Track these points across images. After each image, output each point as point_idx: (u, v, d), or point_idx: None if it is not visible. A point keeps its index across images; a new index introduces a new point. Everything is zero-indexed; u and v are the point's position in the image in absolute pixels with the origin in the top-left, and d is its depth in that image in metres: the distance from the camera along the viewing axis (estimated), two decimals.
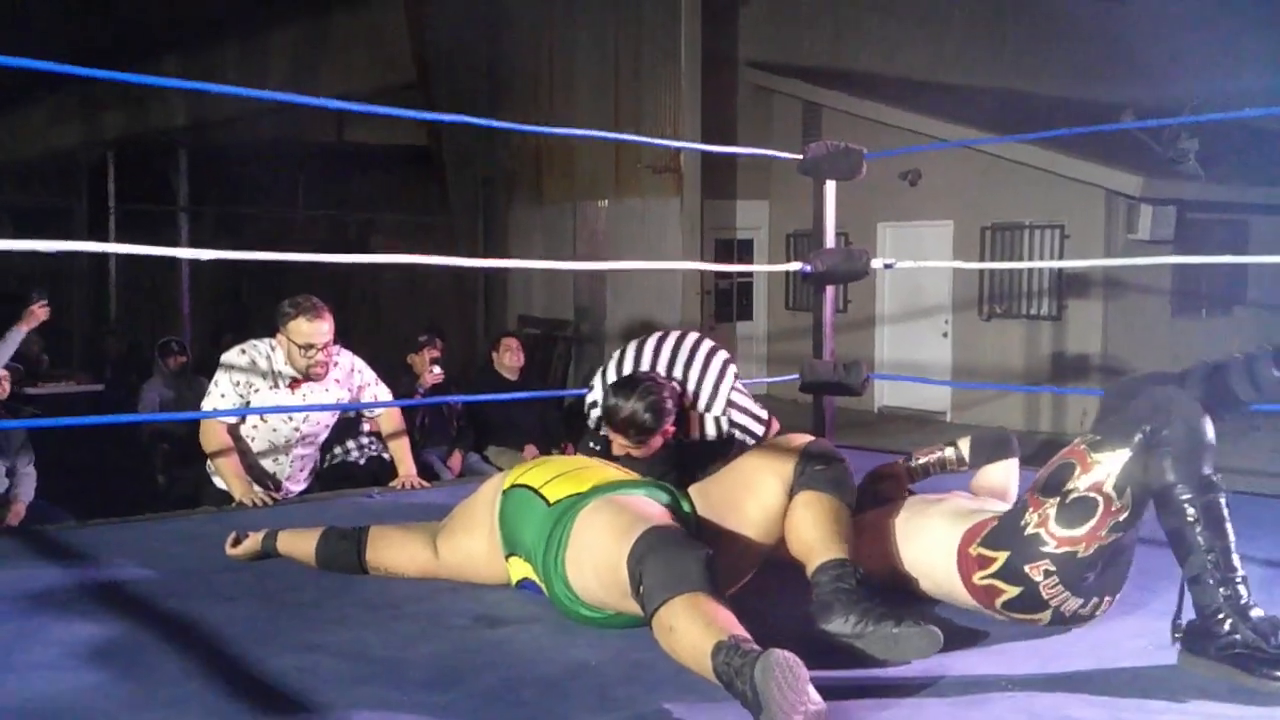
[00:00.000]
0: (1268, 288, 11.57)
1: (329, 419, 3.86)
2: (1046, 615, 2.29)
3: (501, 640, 2.25)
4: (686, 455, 3.09)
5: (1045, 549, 2.21)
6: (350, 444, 5.55)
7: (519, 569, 2.46)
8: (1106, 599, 2.33)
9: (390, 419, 3.98)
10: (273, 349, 3.68)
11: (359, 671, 2.05)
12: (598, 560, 2.18)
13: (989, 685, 2.02)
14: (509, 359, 6.40)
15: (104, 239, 11.06)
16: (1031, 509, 2.25)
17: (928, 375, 10.84)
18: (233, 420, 3.65)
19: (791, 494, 2.41)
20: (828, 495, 2.39)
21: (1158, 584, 2.67)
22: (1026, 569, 2.23)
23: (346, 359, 3.84)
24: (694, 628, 1.91)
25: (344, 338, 7.92)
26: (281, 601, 2.49)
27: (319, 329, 3.60)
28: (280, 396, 3.65)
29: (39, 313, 5.18)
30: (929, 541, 2.46)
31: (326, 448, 5.69)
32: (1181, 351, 10.67)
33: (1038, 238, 10.63)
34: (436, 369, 6.31)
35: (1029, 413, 10.44)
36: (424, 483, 3.90)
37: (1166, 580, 2.65)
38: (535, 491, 2.43)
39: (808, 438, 2.56)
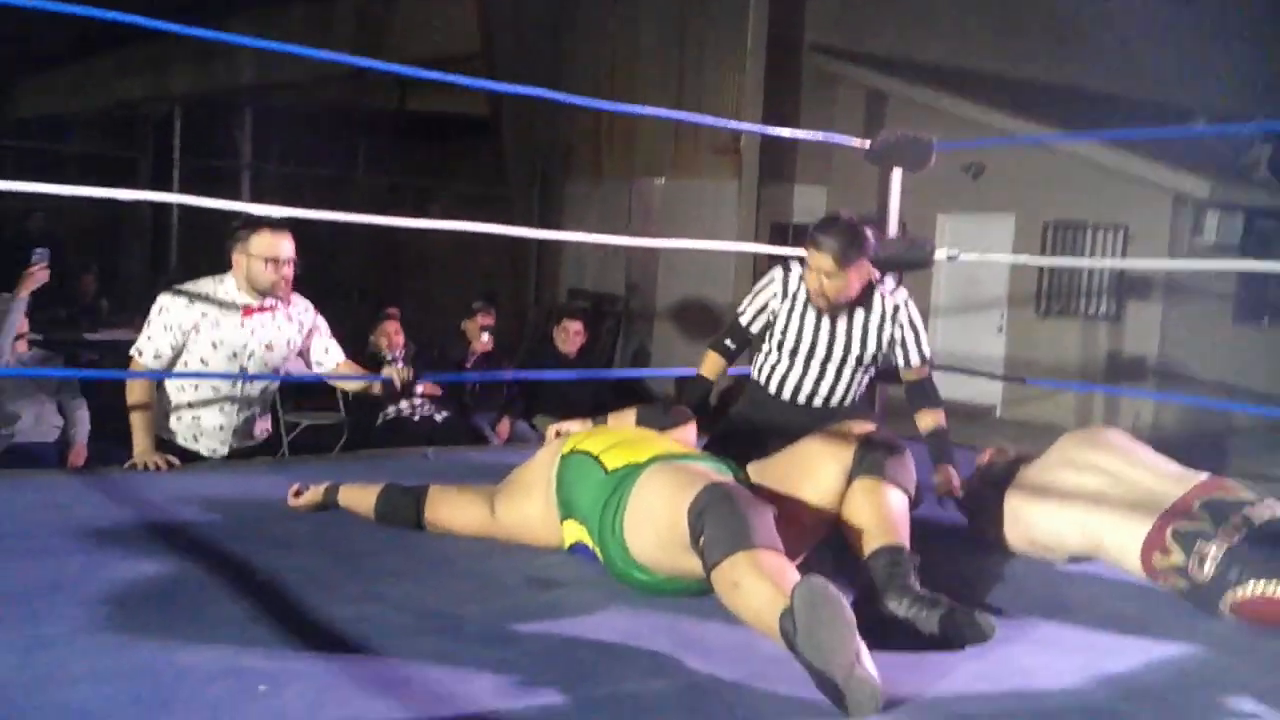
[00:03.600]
0: None
1: (285, 349, 3.54)
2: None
3: (555, 602, 2.28)
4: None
5: None
6: (404, 403, 5.62)
7: (573, 532, 2.49)
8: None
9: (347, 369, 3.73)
10: (219, 281, 3.45)
11: (417, 624, 2.08)
12: (657, 515, 2.20)
13: (1041, 675, 2.01)
14: (567, 341, 6.42)
15: (167, 192, 11.22)
16: None
17: (980, 370, 10.73)
18: (160, 368, 3.38)
19: (850, 480, 2.42)
20: (886, 483, 2.40)
21: None
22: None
23: (302, 300, 3.62)
24: (761, 587, 1.92)
25: (397, 302, 7.96)
26: (340, 552, 2.54)
27: (282, 243, 3.40)
28: (227, 329, 3.40)
29: (39, 275, 4.71)
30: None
31: (380, 406, 5.76)
32: (1240, 359, 10.49)
33: (1100, 237, 10.48)
34: (486, 336, 6.35)
35: (1081, 412, 10.31)
36: (406, 379, 3.63)
37: None
38: (594, 458, 2.45)
39: (870, 425, 2.56)
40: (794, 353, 3.20)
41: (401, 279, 13.61)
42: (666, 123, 11.55)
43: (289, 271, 3.43)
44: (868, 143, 4.35)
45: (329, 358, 3.64)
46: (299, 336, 3.58)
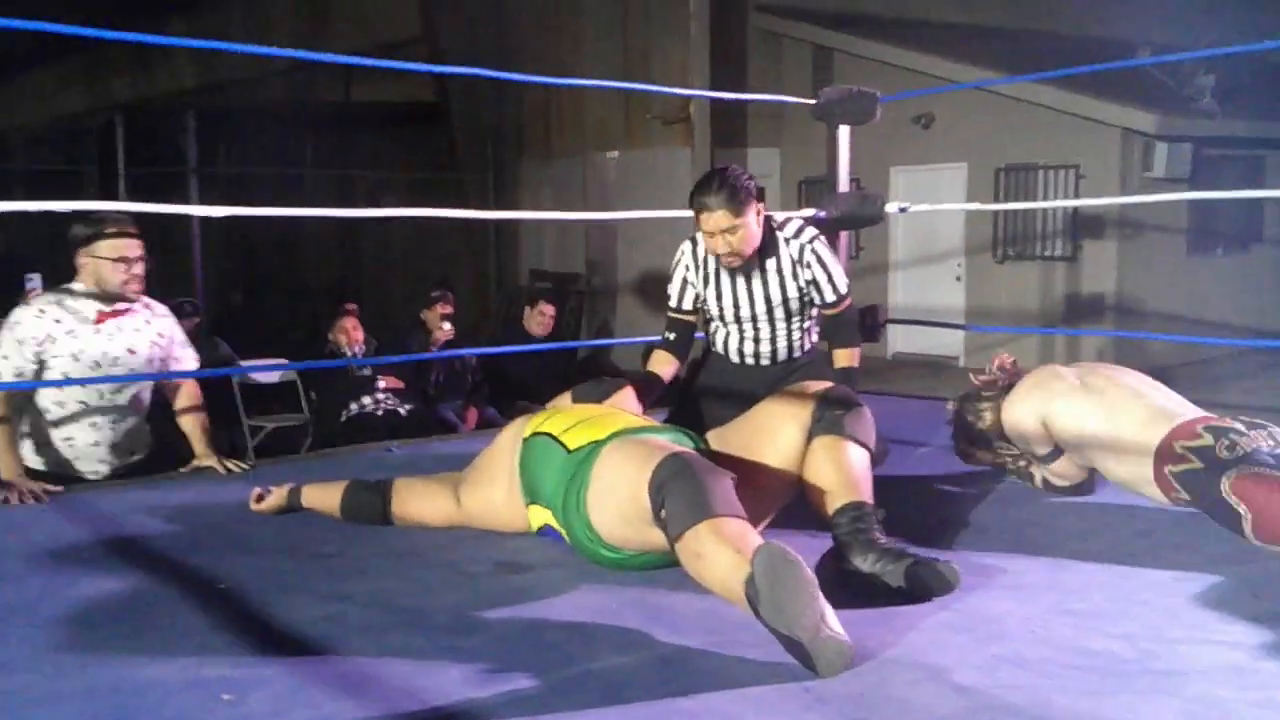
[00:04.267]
0: None
1: (149, 350, 3.34)
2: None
3: (524, 586, 2.27)
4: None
5: None
6: (366, 399, 5.59)
7: (539, 516, 2.48)
8: None
9: (188, 394, 3.47)
10: (67, 289, 3.26)
11: (384, 620, 2.07)
12: (619, 491, 2.19)
13: (1009, 620, 2.02)
14: (536, 325, 6.38)
15: (115, 202, 11.05)
16: None
17: (941, 320, 10.80)
18: (22, 383, 3.14)
19: (810, 439, 2.42)
20: (846, 440, 2.40)
21: (1173, 519, 2.68)
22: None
23: (159, 305, 3.46)
24: (723, 555, 1.93)
25: (355, 297, 7.86)
26: (305, 553, 2.51)
27: (128, 242, 3.22)
28: (85, 338, 3.21)
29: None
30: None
31: (342, 404, 5.72)
32: (1197, 291, 10.60)
33: (1052, 178, 10.53)
34: (447, 325, 6.32)
35: (1043, 355, 10.40)
36: (240, 465, 3.42)
37: (1182, 514, 2.66)
38: (555, 439, 2.44)
39: (826, 384, 2.56)
40: (723, 317, 3.20)
41: (359, 273, 13.50)
42: (616, 95, 11.50)
43: (140, 270, 3.27)
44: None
45: (179, 366, 3.46)
46: (163, 340, 3.39)
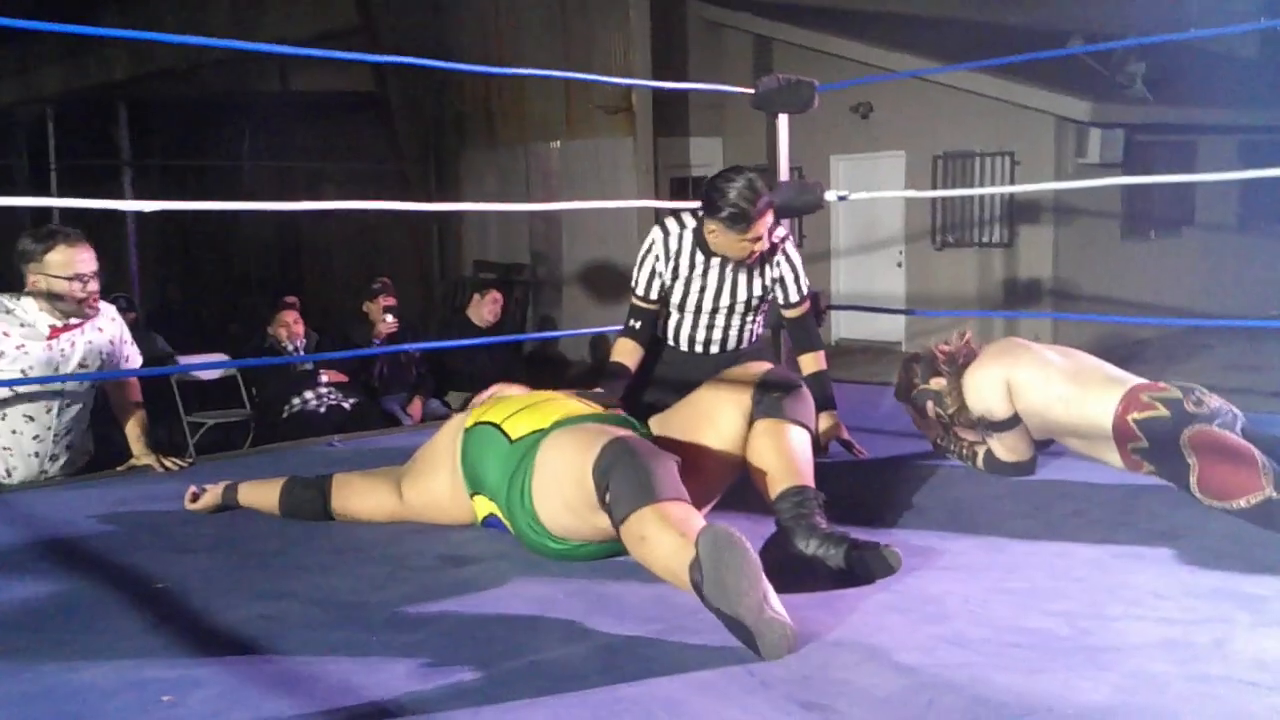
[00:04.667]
0: (1215, 209, 11.71)
1: (100, 360, 3.25)
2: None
3: (468, 579, 2.26)
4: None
5: None
6: (309, 394, 5.53)
7: (484, 506, 2.46)
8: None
9: (131, 391, 3.41)
10: (15, 300, 3.13)
11: (326, 616, 2.05)
12: (562, 478, 2.18)
13: (949, 601, 2.05)
14: (487, 312, 6.34)
15: (46, 196, 10.77)
16: None
17: (882, 306, 10.91)
18: None
19: (751, 422, 2.43)
20: (787, 422, 2.41)
21: (1110, 497, 2.73)
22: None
23: (107, 307, 3.34)
24: (667, 538, 1.93)
25: (296, 289, 7.73)
26: (245, 551, 2.48)
27: (84, 255, 3.12)
28: (35, 353, 3.11)
29: None
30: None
31: (284, 399, 5.65)
32: (1131, 274, 10.81)
33: (989, 165, 10.68)
34: (390, 317, 6.27)
35: (982, 339, 10.54)
36: (178, 462, 3.33)
37: (1119, 491, 2.71)
38: (497, 428, 2.43)
39: (766, 366, 2.57)
40: (682, 307, 3.21)
41: (299, 266, 13.33)
42: (557, 85, 11.45)
43: (95, 286, 3.16)
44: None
45: (128, 365, 3.38)
46: (113, 346, 3.31)
